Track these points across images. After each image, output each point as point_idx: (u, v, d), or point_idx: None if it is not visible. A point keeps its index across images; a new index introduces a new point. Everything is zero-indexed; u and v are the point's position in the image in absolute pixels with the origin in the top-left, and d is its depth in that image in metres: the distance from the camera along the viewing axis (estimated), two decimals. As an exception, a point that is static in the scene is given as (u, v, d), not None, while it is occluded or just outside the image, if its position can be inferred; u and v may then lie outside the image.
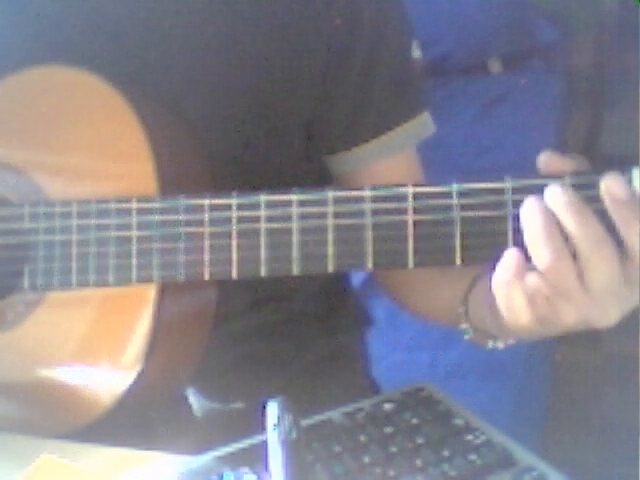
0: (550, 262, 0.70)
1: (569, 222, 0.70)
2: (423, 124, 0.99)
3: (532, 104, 2.34)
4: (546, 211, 0.70)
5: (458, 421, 0.81)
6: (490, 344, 0.86)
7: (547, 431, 1.83)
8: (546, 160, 0.73)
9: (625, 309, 0.72)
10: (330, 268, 0.76)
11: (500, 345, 0.86)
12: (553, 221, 0.70)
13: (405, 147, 0.98)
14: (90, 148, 0.86)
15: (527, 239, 0.71)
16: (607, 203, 0.69)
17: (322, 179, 1.03)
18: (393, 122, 0.97)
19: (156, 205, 0.80)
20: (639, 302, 0.73)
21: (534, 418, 1.79)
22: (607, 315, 0.72)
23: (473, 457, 0.77)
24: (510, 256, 0.71)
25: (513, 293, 0.72)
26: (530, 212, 0.71)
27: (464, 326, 0.87)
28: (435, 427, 0.81)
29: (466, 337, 0.88)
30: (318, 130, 0.97)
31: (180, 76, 0.93)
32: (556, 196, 0.70)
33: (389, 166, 0.98)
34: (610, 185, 0.70)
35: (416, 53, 0.98)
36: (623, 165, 0.71)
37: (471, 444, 0.78)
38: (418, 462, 0.77)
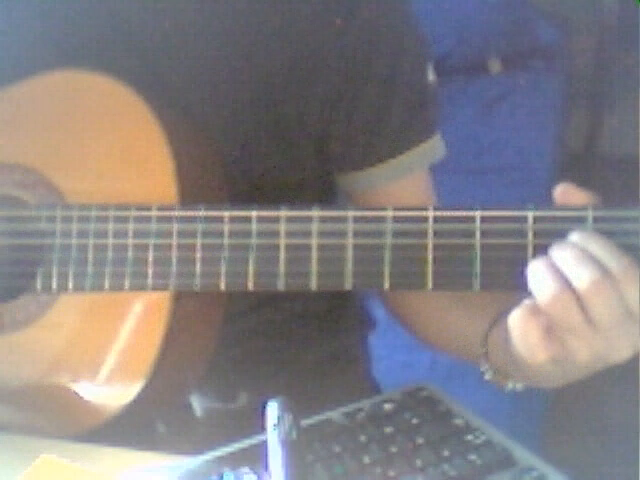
0: (550, 297, 0.70)
1: (567, 261, 0.70)
2: (435, 147, 0.99)
3: (532, 104, 2.35)
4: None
5: (458, 421, 0.81)
6: (510, 385, 0.86)
7: (547, 431, 1.83)
8: (562, 192, 0.73)
9: (637, 344, 0.72)
10: (347, 286, 0.76)
11: (519, 386, 0.86)
12: (548, 261, 0.70)
13: (417, 169, 0.98)
14: (110, 152, 0.86)
15: (528, 276, 0.71)
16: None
17: (328, 188, 1.03)
18: (406, 144, 0.96)
19: (175, 214, 0.80)
20: None
21: (534, 418, 1.78)
22: (618, 350, 0.72)
23: (473, 457, 0.77)
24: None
25: (529, 329, 0.71)
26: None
27: (484, 367, 0.87)
28: (435, 427, 0.81)
29: (486, 378, 0.87)
30: (333, 149, 0.97)
31: (196, 80, 0.93)
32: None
33: (400, 188, 0.98)
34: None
35: (430, 76, 0.98)
36: (620, 197, 0.71)
37: (471, 444, 0.78)
38: (418, 462, 0.76)
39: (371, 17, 0.93)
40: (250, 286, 0.78)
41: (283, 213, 0.78)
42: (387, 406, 0.84)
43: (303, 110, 0.94)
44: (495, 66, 2.42)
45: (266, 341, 1.03)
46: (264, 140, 0.94)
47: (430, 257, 0.74)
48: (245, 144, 0.94)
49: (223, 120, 0.93)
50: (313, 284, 0.77)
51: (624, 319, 0.70)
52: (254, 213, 0.78)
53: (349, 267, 0.76)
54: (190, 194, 0.82)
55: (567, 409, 2.05)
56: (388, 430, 0.80)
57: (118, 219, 0.82)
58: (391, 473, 0.76)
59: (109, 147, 0.86)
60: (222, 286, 0.79)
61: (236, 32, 0.93)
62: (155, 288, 0.81)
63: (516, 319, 0.72)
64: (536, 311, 0.71)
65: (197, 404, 1.01)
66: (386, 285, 0.75)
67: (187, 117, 0.89)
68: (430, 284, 0.74)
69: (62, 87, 0.89)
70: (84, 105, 0.88)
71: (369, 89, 0.94)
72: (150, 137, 0.83)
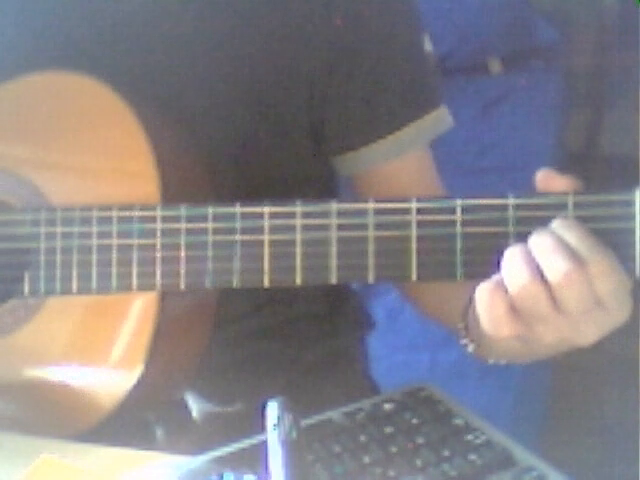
0: (519, 286, 0.70)
1: (541, 250, 0.70)
2: (438, 120, 0.98)
3: (532, 104, 2.35)
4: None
5: (458, 421, 0.81)
6: (491, 360, 0.85)
7: (547, 431, 1.83)
8: (543, 178, 0.73)
9: (603, 329, 0.72)
10: (332, 280, 0.76)
11: (502, 360, 0.85)
12: (524, 247, 0.70)
13: (418, 144, 0.97)
14: (92, 154, 0.86)
15: (502, 261, 0.71)
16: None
17: (328, 182, 1.03)
18: (405, 119, 0.96)
19: (158, 213, 0.80)
20: (617, 323, 0.72)
21: (534, 418, 1.79)
22: (584, 335, 0.72)
23: (473, 457, 0.77)
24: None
25: (494, 303, 0.71)
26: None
27: (464, 341, 0.86)
28: (435, 427, 0.81)
29: (469, 350, 0.87)
30: (329, 130, 0.96)
31: (181, 78, 0.93)
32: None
33: (402, 164, 0.97)
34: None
35: (428, 47, 0.97)
36: (624, 185, 0.71)
37: (471, 444, 0.78)
38: (418, 462, 0.76)
39: None
40: (235, 283, 0.78)
41: (267, 209, 0.78)
42: (387, 406, 0.84)
43: (293, 93, 0.93)
44: (495, 66, 2.42)
45: (265, 343, 1.03)
46: (256, 132, 0.94)
47: (413, 248, 0.74)
48: (237, 139, 0.93)
49: (210, 111, 0.92)
50: (298, 279, 0.77)
51: (593, 308, 0.70)
52: (237, 210, 0.78)
53: (333, 261, 0.76)
54: (173, 193, 0.82)
55: (567, 409, 2.05)
56: (388, 430, 0.80)
57: (101, 220, 0.82)
58: (391, 473, 0.76)
59: (91, 148, 0.86)
60: (208, 284, 0.79)
61: (219, 23, 0.92)
62: (141, 289, 0.80)
63: (483, 291, 0.72)
64: (503, 286, 0.71)
65: (195, 408, 1.01)
66: (371, 278, 0.75)
67: (170, 115, 0.89)
68: (414, 275, 0.74)
69: (44, 89, 0.89)
70: (65, 106, 0.88)
71: (361, 65, 0.93)
72: (131, 137, 0.83)
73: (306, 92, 0.94)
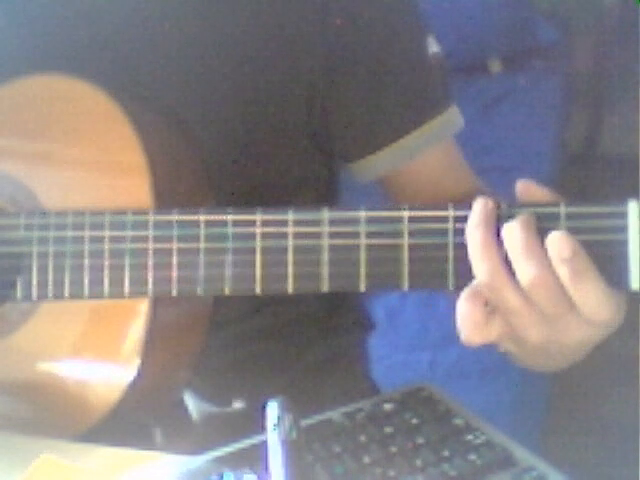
0: (486, 277, 0.70)
1: (514, 250, 0.69)
2: (448, 121, 0.97)
3: (532, 104, 2.35)
4: (486, 226, 0.70)
5: (458, 421, 0.81)
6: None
7: (547, 431, 1.83)
8: (523, 189, 0.72)
9: (588, 332, 0.71)
10: (324, 288, 0.76)
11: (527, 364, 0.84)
12: (492, 237, 0.70)
13: (431, 146, 0.96)
14: (86, 158, 0.85)
15: (469, 252, 0.71)
16: (553, 261, 0.68)
17: (328, 185, 1.03)
18: (412, 124, 0.95)
19: (150, 219, 0.80)
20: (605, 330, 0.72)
21: (534, 418, 1.79)
22: (569, 335, 0.71)
23: (473, 457, 0.77)
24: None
25: (471, 307, 0.71)
26: (470, 225, 0.71)
27: None
28: (435, 427, 0.81)
29: None
30: (336, 136, 0.96)
31: (178, 80, 0.93)
32: (513, 232, 0.70)
33: (427, 159, 0.97)
34: (554, 242, 0.68)
35: (434, 47, 0.96)
36: (620, 196, 0.70)
37: (471, 444, 0.78)
38: (418, 462, 0.76)
39: None
40: (227, 291, 0.78)
41: (259, 217, 0.77)
42: (387, 406, 0.84)
43: (291, 94, 0.93)
44: (495, 66, 2.42)
45: (265, 343, 1.02)
46: (254, 134, 0.93)
47: (405, 257, 0.74)
48: (234, 140, 0.93)
49: (206, 116, 0.92)
50: (290, 287, 0.77)
51: (568, 311, 0.69)
52: (230, 217, 0.78)
53: (325, 269, 0.76)
54: (168, 196, 0.81)
55: (567, 409, 2.05)
56: (388, 430, 0.80)
57: (94, 225, 0.81)
58: (391, 473, 0.76)
59: (85, 152, 0.85)
60: (199, 291, 0.79)
61: (213, 20, 0.92)
62: (133, 295, 0.80)
63: (461, 299, 0.71)
64: (478, 295, 0.70)
65: (194, 408, 1.01)
66: (362, 286, 0.75)
67: (167, 117, 0.89)
68: (406, 284, 0.74)
69: (38, 92, 0.89)
70: (60, 110, 0.87)
71: (360, 70, 0.93)
72: (125, 141, 0.82)
73: (305, 93, 0.93)
